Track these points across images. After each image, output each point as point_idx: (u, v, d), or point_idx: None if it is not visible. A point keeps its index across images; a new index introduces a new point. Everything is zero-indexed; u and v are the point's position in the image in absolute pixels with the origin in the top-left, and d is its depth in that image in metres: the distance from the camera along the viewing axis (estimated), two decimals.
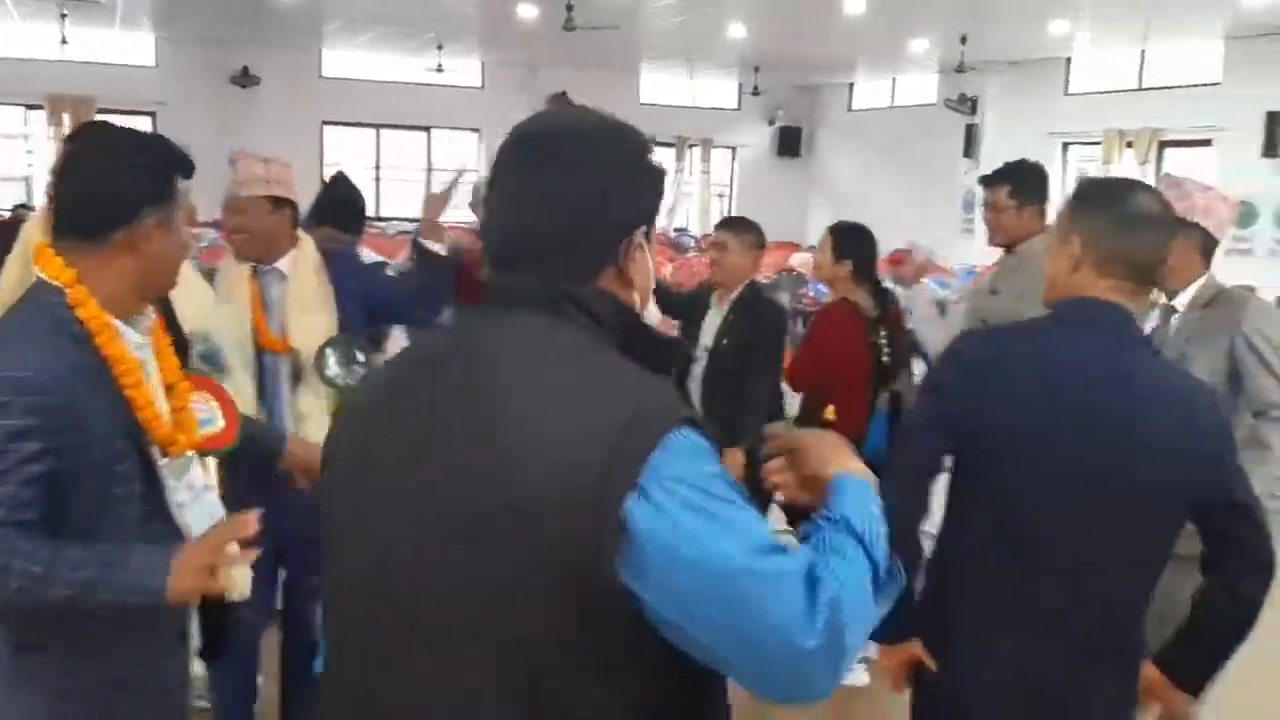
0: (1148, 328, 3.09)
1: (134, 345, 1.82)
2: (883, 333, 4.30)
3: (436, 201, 3.45)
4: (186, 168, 1.90)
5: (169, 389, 1.91)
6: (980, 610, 2.06)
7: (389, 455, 1.25)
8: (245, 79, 17.43)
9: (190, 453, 1.91)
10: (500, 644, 1.16)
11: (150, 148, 1.89)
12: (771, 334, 4.34)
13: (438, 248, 3.37)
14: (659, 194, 1.35)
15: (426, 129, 19.46)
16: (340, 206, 4.27)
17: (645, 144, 1.34)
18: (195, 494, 1.88)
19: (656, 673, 1.21)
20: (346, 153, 19.17)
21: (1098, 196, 2.10)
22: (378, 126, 19.19)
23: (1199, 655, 2.20)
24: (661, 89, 20.43)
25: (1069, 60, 16.37)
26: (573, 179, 1.27)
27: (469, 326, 1.33)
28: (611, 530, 1.12)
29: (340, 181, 4.56)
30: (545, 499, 1.13)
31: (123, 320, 1.82)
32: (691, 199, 21.12)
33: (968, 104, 17.23)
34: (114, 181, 1.80)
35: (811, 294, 11.37)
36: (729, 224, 4.58)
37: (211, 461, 2.01)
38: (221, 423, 2.06)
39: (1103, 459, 1.96)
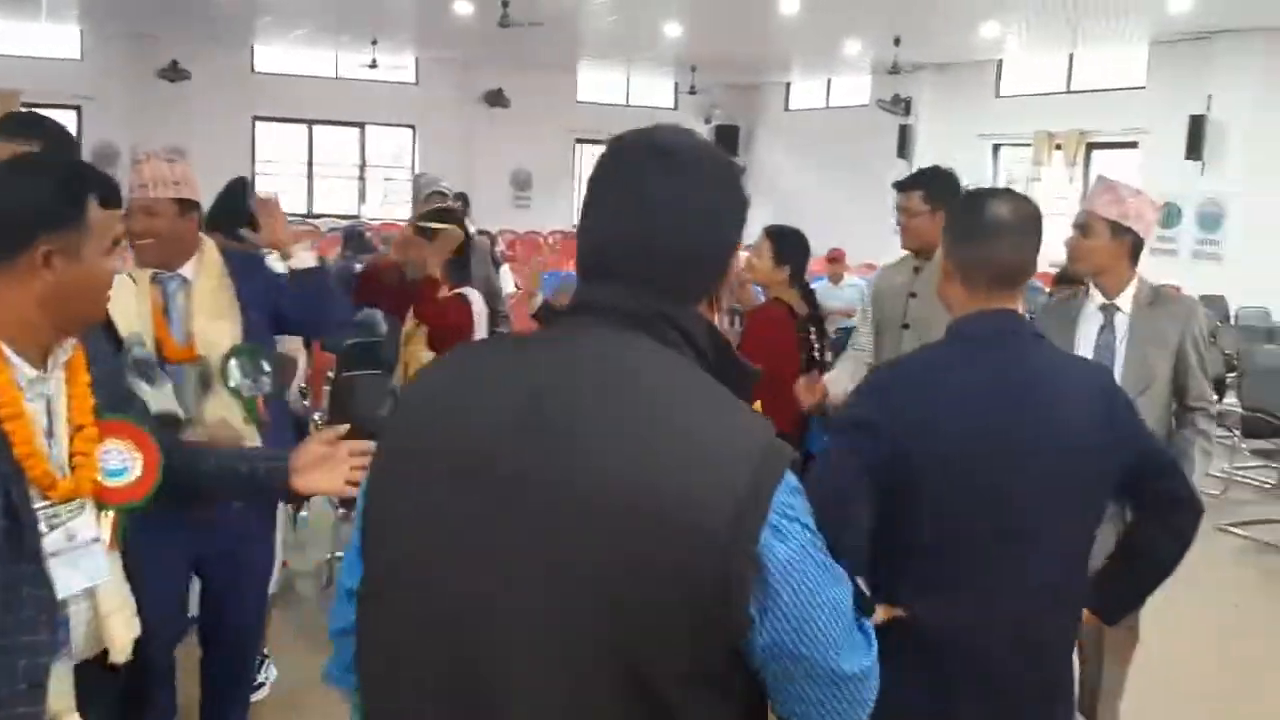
0: (1093, 327, 3.22)
1: (25, 378, 1.72)
2: (812, 330, 4.40)
3: (271, 217, 3.25)
4: (106, 195, 1.78)
5: (78, 429, 1.80)
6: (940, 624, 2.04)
7: (490, 465, 1.18)
8: (174, 73, 17.11)
9: (83, 500, 1.78)
10: (628, 671, 1.13)
11: (58, 169, 1.78)
12: None
13: (304, 260, 3.20)
14: (745, 221, 1.34)
15: (360, 125, 19.25)
16: (236, 214, 4.12)
17: (740, 169, 1.34)
18: (75, 545, 1.75)
19: (754, 701, 1.24)
20: (278, 149, 18.93)
21: (957, 210, 2.15)
22: (310, 122, 18.95)
23: (1125, 584, 2.30)
24: (598, 87, 20.43)
25: (1000, 63, 16.63)
26: (699, 197, 1.25)
27: (565, 339, 1.26)
28: (748, 564, 1.12)
29: (237, 187, 4.41)
30: (682, 527, 1.11)
31: (32, 349, 1.73)
32: None
33: (901, 105, 17.44)
34: (6, 202, 1.70)
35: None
36: None
37: (108, 515, 1.84)
38: (134, 476, 1.88)
39: (1035, 465, 2.00)
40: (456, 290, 4.11)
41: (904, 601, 2.04)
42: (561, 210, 19.45)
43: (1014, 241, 2.06)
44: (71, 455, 1.78)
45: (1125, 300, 3.20)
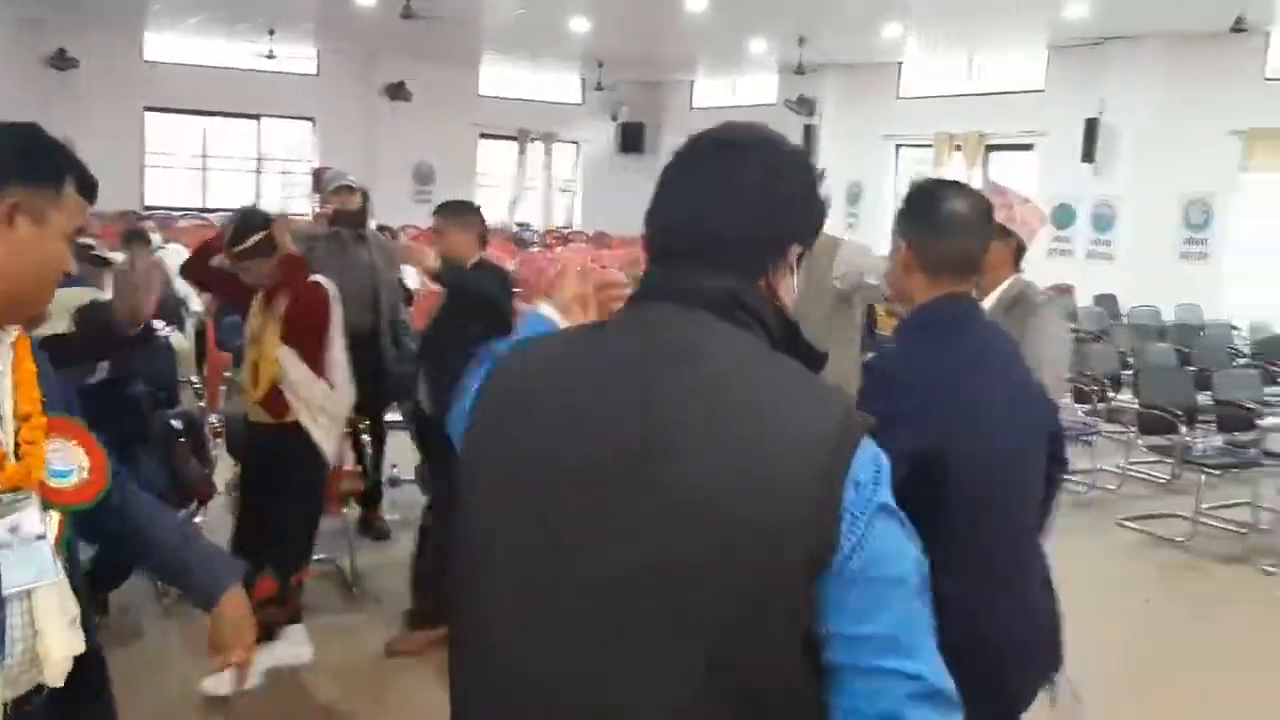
0: None
1: None
2: None
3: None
4: (84, 184, 1.74)
5: (25, 419, 1.68)
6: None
7: (591, 455, 1.22)
8: (62, 61, 16.44)
9: (28, 492, 1.66)
10: (711, 660, 1.15)
11: (50, 139, 1.75)
12: (485, 295, 4.34)
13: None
14: (818, 225, 1.39)
15: (257, 117, 18.76)
16: None
17: (818, 172, 1.38)
18: (19, 539, 1.63)
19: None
20: (170, 141, 18.36)
21: (916, 203, 2.24)
22: (205, 114, 18.39)
23: None
24: (504, 82, 20.22)
25: (901, 65, 16.88)
26: (751, 181, 1.32)
27: (639, 328, 1.30)
28: (830, 541, 1.14)
29: None
30: (779, 510, 1.14)
31: None
32: (535, 193, 21.00)
33: (806, 105, 17.58)
34: None
35: None
36: (443, 209, 4.68)
37: (53, 516, 1.71)
38: (79, 479, 1.75)
39: (1023, 436, 2.17)
40: (312, 278, 4.04)
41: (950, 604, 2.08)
42: None
43: (972, 232, 2.19)
44: (17, 445, 1.65)
45: (989, 302, 3.27)
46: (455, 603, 1.36)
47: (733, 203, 1.30)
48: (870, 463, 1.18)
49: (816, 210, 1.39)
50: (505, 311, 4.32)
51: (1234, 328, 11.43)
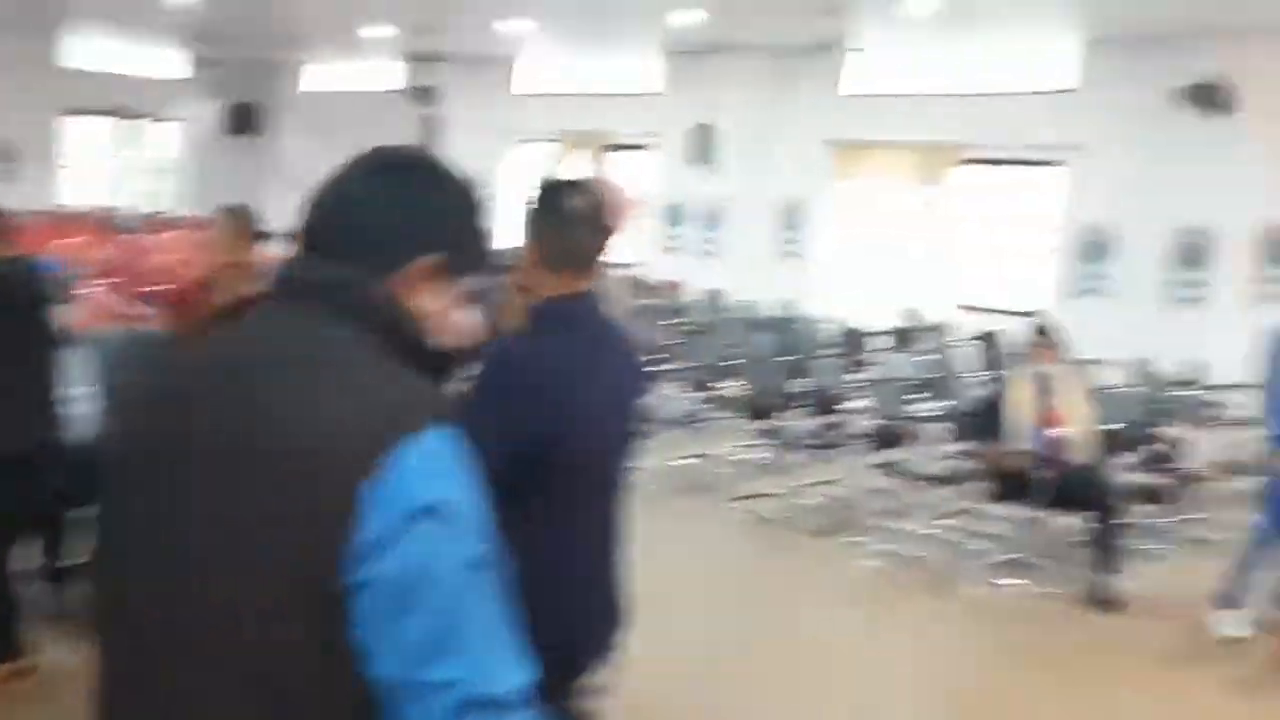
0: None
1: None
2: None
3: None
4: None
5: None
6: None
7: (187, 435, 1.24)
8: None
9: None
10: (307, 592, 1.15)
11: None
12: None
13: None
14: (475, 252, 1.41)
15: None
16: None
17: (480, 204, 1.44)
18: None
19: None
20: None
21: (541, 200, 2.34)
22: None
23: None
24: (95, 54, 18.47)
25: (520, 60, 17.05)
26: (408, 189, 1.37)
27: (265, 318, 1.35)
28: (346, 541, 1.12)
29: None
30: (318, 481, 1.14)
31: None
32: (133, 176, 19.48)
33: (426, 95, 17.38)
34: None
35: None
36: None
37: None
38: None
39: (627, 424, 2.38)
40: None
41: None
42: (46, 189, 17.34)
43: (591, 228, 2.28)
44: None
45: None
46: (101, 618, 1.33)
47: (375, 202, 1.35)
48: (426, 458, 1.17)
49: (470, 234, 1.41)
50: (37, 299, 4.05)
51: (820, 321, 12.44)
